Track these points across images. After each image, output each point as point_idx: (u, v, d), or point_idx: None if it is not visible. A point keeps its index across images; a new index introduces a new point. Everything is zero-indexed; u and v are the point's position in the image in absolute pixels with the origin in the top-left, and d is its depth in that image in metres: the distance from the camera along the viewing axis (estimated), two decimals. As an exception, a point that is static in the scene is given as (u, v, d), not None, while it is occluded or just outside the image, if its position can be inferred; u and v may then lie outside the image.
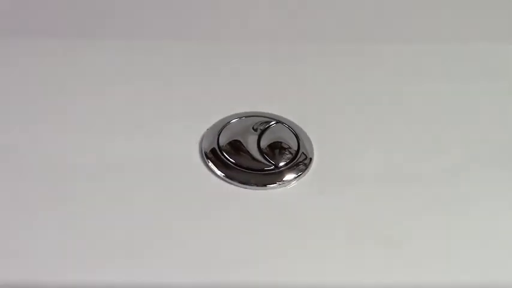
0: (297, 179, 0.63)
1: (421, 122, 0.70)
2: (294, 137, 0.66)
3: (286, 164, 0.64)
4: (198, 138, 0.66)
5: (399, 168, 0.66)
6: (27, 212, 0.62)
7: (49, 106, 0.69)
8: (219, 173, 0.63)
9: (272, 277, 0.58)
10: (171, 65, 0.74)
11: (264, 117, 0.67)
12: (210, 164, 0.64)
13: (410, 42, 0.80)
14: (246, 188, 0.63)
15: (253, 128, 0.66)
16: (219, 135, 0.66)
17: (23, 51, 0.74)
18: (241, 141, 0.65)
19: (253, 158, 0.64)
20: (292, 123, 0.67)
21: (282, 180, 0.63)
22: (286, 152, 0.65)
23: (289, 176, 0.63)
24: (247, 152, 0.65)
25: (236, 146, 0.65)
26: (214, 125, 0.66)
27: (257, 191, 0.63)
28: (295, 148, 0.65)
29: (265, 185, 0.63)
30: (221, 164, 0.64)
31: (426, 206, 0.63)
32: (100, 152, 0.66)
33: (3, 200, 0.63)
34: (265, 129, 0.66)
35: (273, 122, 0.67)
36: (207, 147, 0.65)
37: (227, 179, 0.63)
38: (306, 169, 0.64)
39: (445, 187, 0.64)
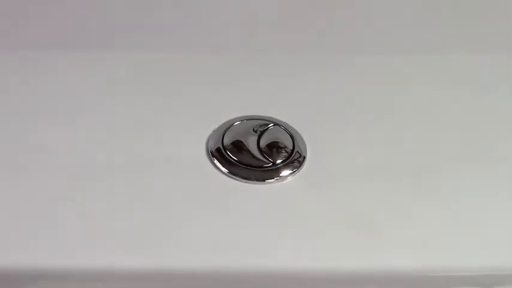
0: (292, 174, 0.66)
1: (401, 127, 0.73)
2: (290, 137, 0.69)
3: (282, 162, 0.67)
4: (205, 139, 0.70)
5: (381, 165, 0.69)
6: (58, 203, 0.64)
7: (76, 112, 0.72)
8: (223, 169, 0.67)
9: (270, 259, 0.62)
10: (179, 76, 0.76)
11: (263, 120, 0.70)
12: (216, 161, 0.67)
13: (401, 53, 0.82)
14: (247, 182, 0.66)
15: (253, 129, 0.70)
16: (223, 136, 0.69)
17: (52, 63, 0.76)
18: (243, 141, 0.69)
19: (254, 156, 0.67)
20: (288, 125, 0.70)
21: (279, 175, 0.66)
22: (283, 151, 0.68)
23: (285, 172, 0.67)
24: (248, 151, 0.68)
25: (238, 146, 0.68)
26: (219, 127, 0.70)
27: (257, 185, 0.66)
28: (291, 147, 0.68)
29: (264, 180, 0.66)
30: (225, 161, 0.67)
31: (404, 197, 0.66)
32: (119, 152, 0.69)
33: (40, 192, 0.65)
34: (264, 130, 0.69)
35: (271, 125, 0.70)
36: (212, 147, 0.68)
37: (230, 175, 0.66)
38: (300, 166, 0.67)
39: (420, 181, 0.67)
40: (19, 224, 0.64)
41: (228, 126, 0.70)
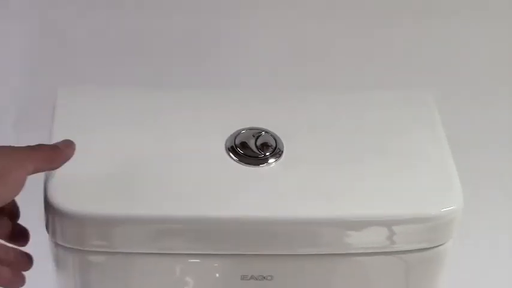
0: (275, 162, 0.81)
1: (348, 134, 0.85)
2: (274, 140, 0.83)
3: (269, 154, 0.82)
4: (224, 141, 0.83)
5: (334, 155, 0.83)
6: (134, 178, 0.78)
7: (133, 123, 0.84)
8: (235, 158, 0.81)
9: (260, 213, 0.78)
10: (206, 105, 0.87)
11: (259, 130, 0.83)
12: (230, 154, 0.81)
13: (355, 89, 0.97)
14: (248, 166, 0.81)
15: (252, 135, 0.83)
16: (235, 139, 0.82)
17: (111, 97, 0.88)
18: (247, 142, 0.82)
19: (252, 151, 0.82)
20: (273, 133, 0.83)
21: (267, 162, 0.81)
22: (270, 148, 0.82)
23: (271, 160, 0.82)
24: (249, 148, 0.82)
25: (244, 145, 0.82)
26: (232, 134, 0.83)
27: (254, 168, 0.81)
28: (274, 146, 0.82)
29: (258, 165, 0.81)
30: (236, 154, 0.82)
31: (346, 174, 0.81)
32: (176, 151, 0.82)
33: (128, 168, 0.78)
34: (259, 136, 0.83)
35: (263, 132, 0.83)
36: (228, 145, 0.82)
37: (239, 162, 0.81)
38: (280, 157, 0.82)
39: (359, 165, 0.82)
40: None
41: (237, 133, 0.83)
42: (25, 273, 0.73)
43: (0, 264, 0.71)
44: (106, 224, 0.76)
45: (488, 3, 1.10)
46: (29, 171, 0.70)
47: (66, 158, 0.74)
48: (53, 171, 0.76)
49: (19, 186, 0.69)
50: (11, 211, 0.75)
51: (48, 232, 0.78)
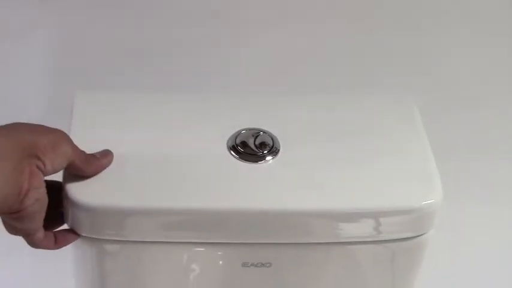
0: (272, 159, 0.85)
1: (336, 136, 0.88)
2: (271, 139, 0.86)
3: (267, 152, 0.85)
4: (226, 140, 0.86)
5: (326, 153, 0.85)
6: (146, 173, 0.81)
7: (144, 124, 0.87)
8: (236, 156, 0.84)
9: (259, 205, 0.80)
10: (212, 108, 0.90)
11: (257, 130, 0.87)
12: (232, 152, 0.85)
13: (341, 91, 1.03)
14: (248, 163, 0.84)
15: (252, 135, 0.86)
16: (236, 138, 0.85)
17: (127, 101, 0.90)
18: (246, 141, 0.85)
19: (252, 149, 0.85)
20: (271, 133, 0.86)
21: (265, 159, 0.85)
22: (267, 147, 0.85)
23: (268, 158, 0.85)
24: (249, 146, 0.85)
25: (244, 143, 0.85)
26: (233, 134, 0.86)
27: (253, 164, 0.84)
28: (271, 145, 0.85)
29: (257, 162, 0.84)
30: (237, 152, 0.85)
31: (335, 171, 0.84)
32: (175, 149, 0.85)
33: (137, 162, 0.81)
34: (258, 135, 0.86)
35: (261, 132, 0.86)
36: (230, 144, 0.85)
37: (240, 159, 0.84)
38: (276, 155, 0.85)
39: (349, 162, 0.85)
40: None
41: (238, 133, 0.86)
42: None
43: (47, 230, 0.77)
44: (119, 215, 0.80)
45: (477, 10, 1.15)
46: (71, 153, 0.75)
47: (102, 167, 0.79)
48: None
49: (65, 160, 0.74)
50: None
51: (66, 223, 0.82)
